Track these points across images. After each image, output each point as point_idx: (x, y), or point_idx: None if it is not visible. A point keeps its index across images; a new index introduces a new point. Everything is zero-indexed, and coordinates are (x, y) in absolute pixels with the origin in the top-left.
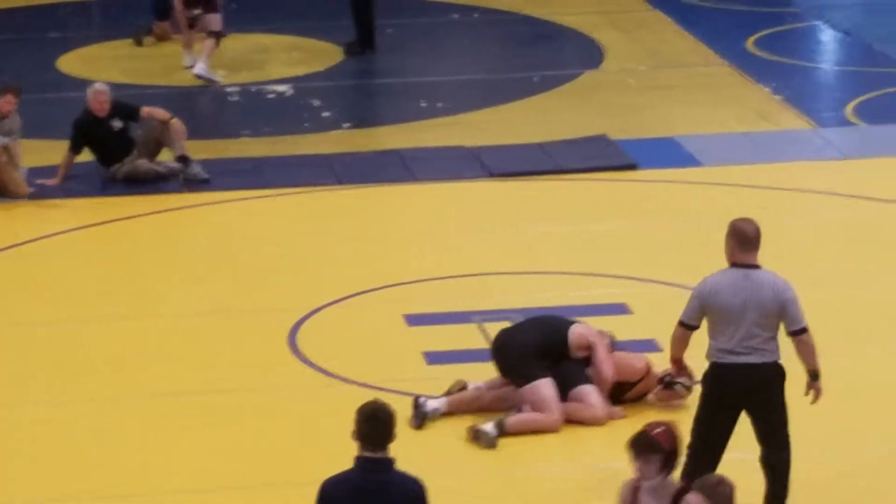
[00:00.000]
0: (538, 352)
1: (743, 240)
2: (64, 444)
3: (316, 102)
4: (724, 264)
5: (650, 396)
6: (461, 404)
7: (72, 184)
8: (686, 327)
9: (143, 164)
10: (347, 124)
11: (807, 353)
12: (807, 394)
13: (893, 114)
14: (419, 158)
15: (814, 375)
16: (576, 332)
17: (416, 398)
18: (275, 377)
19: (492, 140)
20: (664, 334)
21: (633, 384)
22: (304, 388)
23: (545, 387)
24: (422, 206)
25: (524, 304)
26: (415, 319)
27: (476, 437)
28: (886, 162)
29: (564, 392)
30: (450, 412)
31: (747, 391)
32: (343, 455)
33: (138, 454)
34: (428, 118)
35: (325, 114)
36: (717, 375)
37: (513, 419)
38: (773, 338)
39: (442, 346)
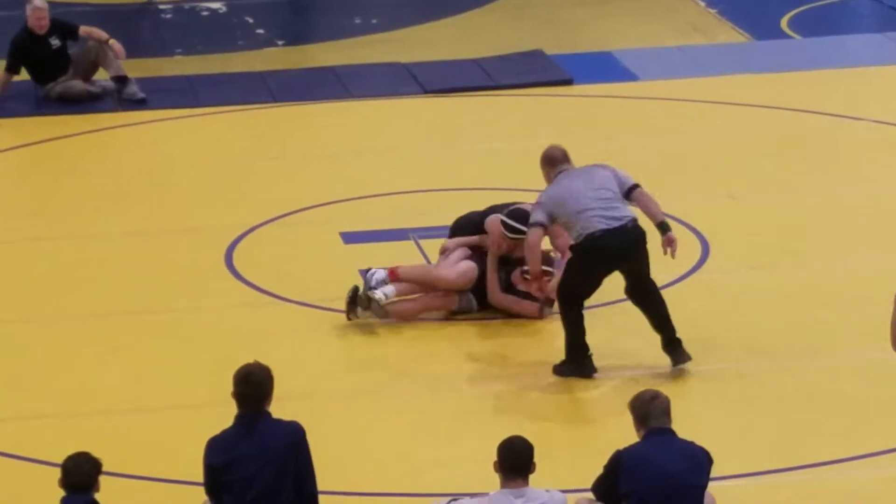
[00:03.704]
0: (476, 226)
1: (552, 160)
2: None
3: (250, 19)
4: (659, 176)
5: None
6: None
7: (6, 103)
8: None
9: (76, 84)
10: (281, 41)
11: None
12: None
13: (828, 26)
14: (354, 75)
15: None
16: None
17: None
18: (213, 296)
19: (426, 56)
20: None
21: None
22: (242, 307)
23: (454, 254)
24: (357, 123)
25: None
26: (351, 237)
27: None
28: (821, 74)
29: None
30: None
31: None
32: (285, 372)
33: (78, 374)
34: (362, 34)
35: (259, 31)
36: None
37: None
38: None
39: (378, 263)
